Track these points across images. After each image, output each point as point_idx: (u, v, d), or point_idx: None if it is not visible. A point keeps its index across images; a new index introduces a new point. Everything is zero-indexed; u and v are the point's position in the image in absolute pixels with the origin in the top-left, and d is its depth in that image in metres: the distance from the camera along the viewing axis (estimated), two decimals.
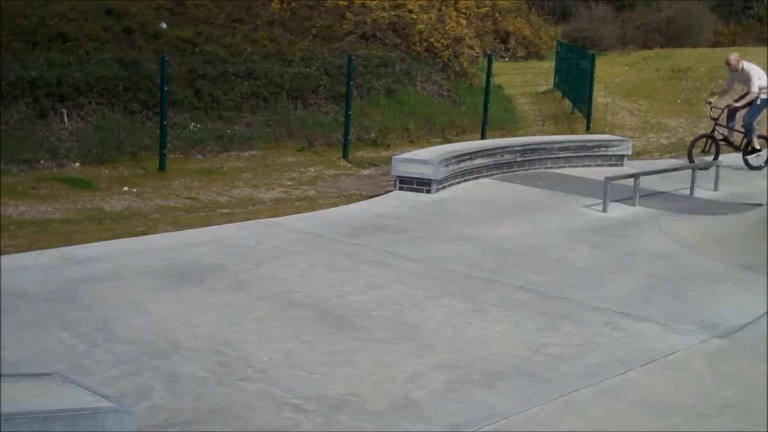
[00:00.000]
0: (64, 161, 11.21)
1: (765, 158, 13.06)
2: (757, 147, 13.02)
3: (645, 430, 4.76)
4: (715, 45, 27.68)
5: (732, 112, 13.18)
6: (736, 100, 13.15)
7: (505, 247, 8.24)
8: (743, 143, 13.13)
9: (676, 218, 9.80)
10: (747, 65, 12.91)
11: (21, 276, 6.61)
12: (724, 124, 13.18)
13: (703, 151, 12.98)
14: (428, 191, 10.27)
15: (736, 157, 13.26)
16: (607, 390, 5.24)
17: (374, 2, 18.57)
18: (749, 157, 13.11)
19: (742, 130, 13.10)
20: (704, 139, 13.10)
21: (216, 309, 6.21)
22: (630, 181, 10.34)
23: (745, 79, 12.89)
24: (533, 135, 15.39)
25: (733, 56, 13.01)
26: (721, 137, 13.12)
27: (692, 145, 13.06)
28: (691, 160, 12.66)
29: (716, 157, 12.65)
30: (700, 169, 11.60)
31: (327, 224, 8.79)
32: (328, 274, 7.16)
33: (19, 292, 6.24)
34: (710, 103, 13.38)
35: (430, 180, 10.28)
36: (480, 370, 5.42)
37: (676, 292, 7.13)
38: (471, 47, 19.20)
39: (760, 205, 10.03)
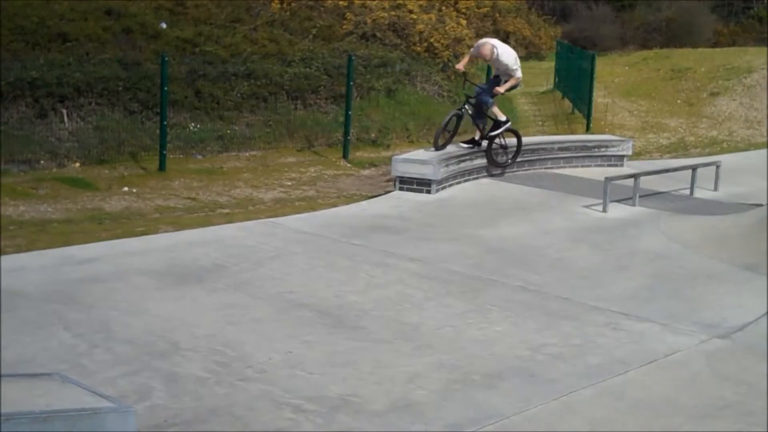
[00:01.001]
0: (64, 161, 11.21)
1: (511, 154, 11.43)
2: (502, 118, 11.11)
3: (645, 430, 4.76)
4: (715, 45, 27.68)
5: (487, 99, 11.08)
6: (498, 84, 11.01)
7: (505, 248, 8.24)
8: (484, 130, 11.18)
9: (676, 218, 9.80)
10: (502, 51, 10.85)
11: (21, 276, 6.61)
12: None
13: (445, 128, 10.88)
14: (428, 191, 10.26)
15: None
16: (607, 390, 5.24)
17: (374, 2, 18.57)
18: (493, 135, 11.11)
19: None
20: (453, 118, 11.04)
21: (216, 309, 6.21)
22: (630, 182, 10.34)
23: (504, 68, 10.90)
24: (533, 135, 15.38)
25: (487, 48, 10.80)
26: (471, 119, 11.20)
27: (442, 129, 10.98)
28: (438, 147, 10.80)
29: (450, 140, 10.98)
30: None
31: (327, 224, 8.79)
32: (328, 274, 7.16)
33: (19, 292, 6.24)
34: (465, 74, 11.33)
35: (430, 180, 10.28)
36: (480, 370, 5.42)
37: (676, 292, 7.13)
38: (471, 47, 19.18)
39: (760, 205, 10.03)
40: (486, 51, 10.80)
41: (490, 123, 11.24)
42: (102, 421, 3.69)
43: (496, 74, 11.17)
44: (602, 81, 19.77)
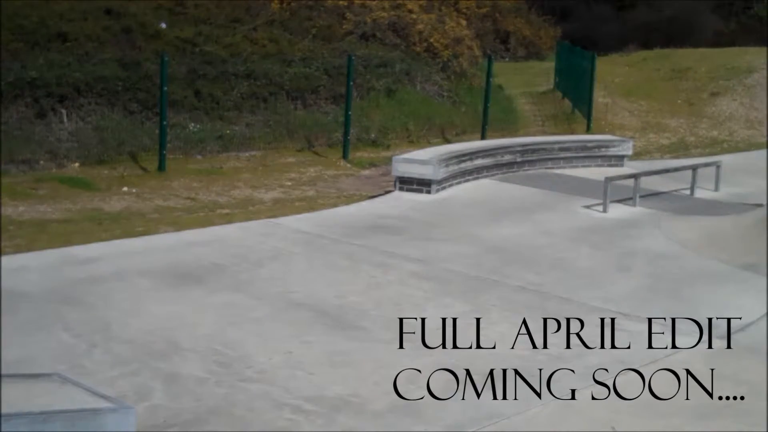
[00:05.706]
0: (64, 161, 11.21)
1: None
2: None
3: (645, 430, 4.76)
4: (715, 45, 27.66)
5: None
6: None
7: (505, 248, 8.24)
8: None
9: (676, 218, 9.80)
10: None
11: (21, 276, 6.61)
12: None
13: None
14: (428, 191, 10.26)
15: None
16: (607, 390, 5.23)
17: (374, 2, 18.57)
18: None
19: None
20: None
21: (216, 309, 6.21)
22: (630, 182, 10.34)
23: None
24: (533, 135, 15.38)
25: None
26: None
27: None
28: None
29: None
30: None
31: (327, 224, 8.78)
32: (328, 274, 7.16)
33: (19, 292, 6.24)
34: None
35: (430, 180, 10.27)
36: (480, 370, 5.41)
37: (676, 292, 7.13)
38: (471, 47, 19.20)
39: (760, 205, 10.03)
40: None
41: None
42: (102, 421, 3.69)
43: None
44: (602, 81, 19.76)
